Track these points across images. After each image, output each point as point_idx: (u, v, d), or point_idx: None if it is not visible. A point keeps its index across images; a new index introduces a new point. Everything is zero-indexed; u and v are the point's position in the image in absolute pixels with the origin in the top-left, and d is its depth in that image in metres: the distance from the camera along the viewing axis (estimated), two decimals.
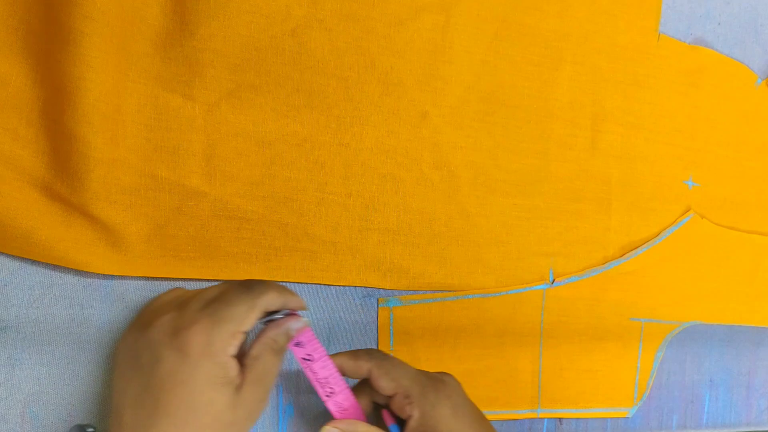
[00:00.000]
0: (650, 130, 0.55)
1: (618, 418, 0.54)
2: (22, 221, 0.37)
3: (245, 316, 0.35)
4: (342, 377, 0.41)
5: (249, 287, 0.36)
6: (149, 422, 0.33)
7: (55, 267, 0.40)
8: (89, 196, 0.38)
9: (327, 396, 0.40)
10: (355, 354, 0.41)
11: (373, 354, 0.42)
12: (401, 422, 0.41)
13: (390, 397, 0.41)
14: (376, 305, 0.47)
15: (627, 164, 0.54)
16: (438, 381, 0.42)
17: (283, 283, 0.44)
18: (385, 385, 0.40)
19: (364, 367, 0.41)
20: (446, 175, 0.48)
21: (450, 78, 0.48)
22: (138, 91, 0.41)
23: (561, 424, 0.53)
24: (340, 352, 0.41)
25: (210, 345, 0.33)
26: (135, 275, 0.41)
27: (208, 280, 0.43)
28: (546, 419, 0.52)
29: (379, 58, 0.46)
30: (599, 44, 0.53)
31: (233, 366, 0.35)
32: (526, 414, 0.51)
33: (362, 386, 0.42)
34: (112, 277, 0.41)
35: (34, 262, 0.39)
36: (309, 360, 0.40)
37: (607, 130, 0.53)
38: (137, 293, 0.42)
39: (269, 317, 0.38)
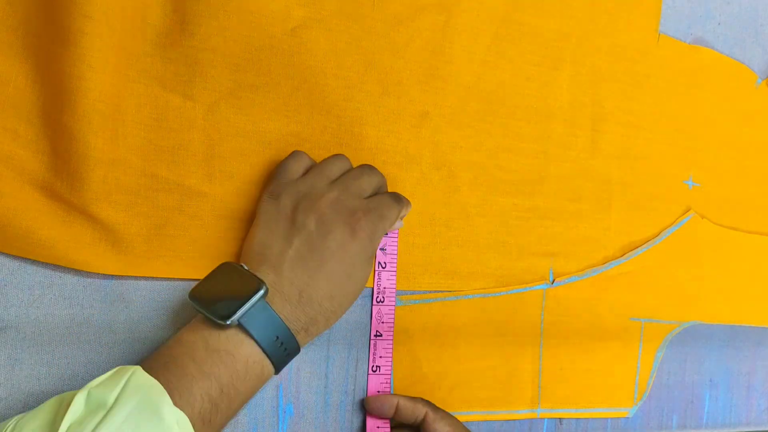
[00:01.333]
0: (650, 130, 0.55)
1: (618, 418, 0.54)
2: (22, 221, 0.37)
3: (394, 221, 0.43)
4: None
5: (398, 199, 0.43)
6: (310, 279, 0.39)
7: (55, 267, 0.40)
8: (89, 196, 0.39)
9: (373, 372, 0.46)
10: (413, 399, 0.45)
11: (427, 402, 0.46)
12: None
13: None
14: None
15: (627, 164, 0.54)
16: None
17: None
18: (440, 428, 0.44)
19: (421, 410, 0.45)
20: (446, 175, 0.48)
21: (450, 78, 0.48)
22: (138, 91, 0.41)
23: (561, 424, 0.53)
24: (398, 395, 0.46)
25: (375, 233, 0.41)
26: (135, 275, 0.41)
27: None
28: (546, 419, 0.52)
29: (379, 58, 0.46)
30: (599, 44, 0.53)
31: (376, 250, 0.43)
32: (526, 414, 0.51)
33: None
34: (112, 277, 0.41)
35: (34, 262, 0.39)
36: (382, 268, 0.46)
37: (607, 130, 0.53)
38: (137, 293, 0.42)
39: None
